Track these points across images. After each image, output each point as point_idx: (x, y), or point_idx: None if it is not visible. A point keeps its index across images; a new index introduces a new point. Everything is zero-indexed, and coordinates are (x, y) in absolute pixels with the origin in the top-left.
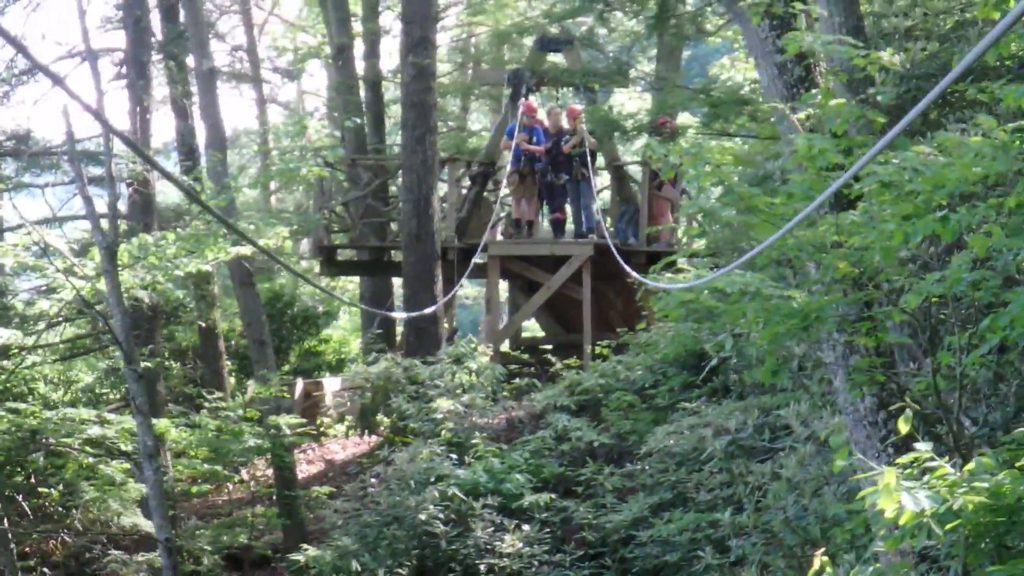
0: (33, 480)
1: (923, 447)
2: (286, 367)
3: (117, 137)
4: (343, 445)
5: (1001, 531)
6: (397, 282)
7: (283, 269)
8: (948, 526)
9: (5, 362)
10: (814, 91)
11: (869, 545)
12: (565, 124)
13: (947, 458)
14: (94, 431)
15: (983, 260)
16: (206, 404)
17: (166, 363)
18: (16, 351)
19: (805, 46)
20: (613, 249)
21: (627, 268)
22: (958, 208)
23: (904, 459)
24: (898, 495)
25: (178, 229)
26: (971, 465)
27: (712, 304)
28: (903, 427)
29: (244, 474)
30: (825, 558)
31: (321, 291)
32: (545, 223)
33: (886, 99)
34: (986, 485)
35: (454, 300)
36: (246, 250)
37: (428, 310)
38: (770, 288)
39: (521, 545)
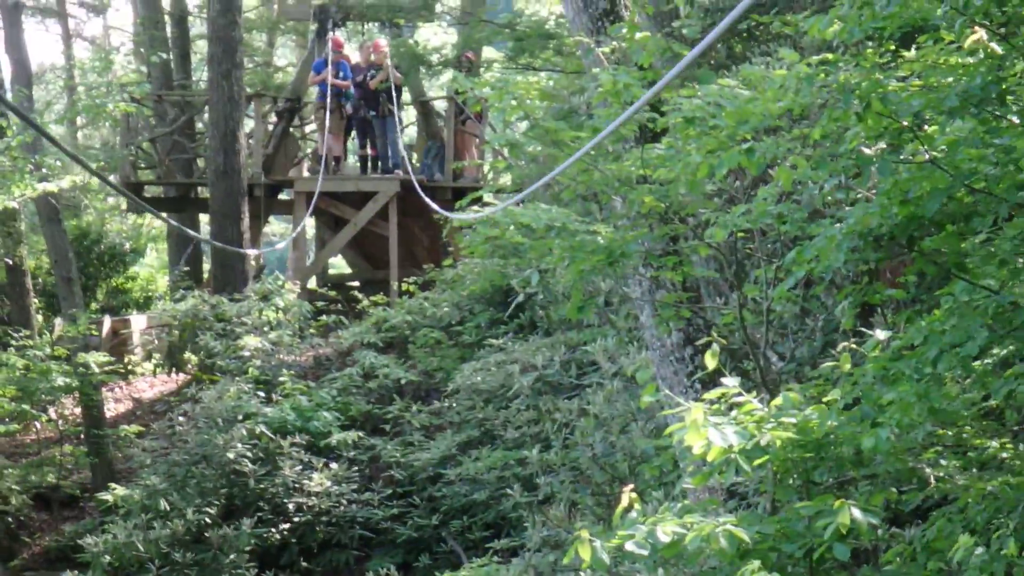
0: None
1: (730, 382)
2: (94, 305)
3: None
4: (151, 383)
5: (808, 467)
6: (204, 218)
7: (90, 205)
8: (756, 462)
9: None
10: (620, 24)
11: (678, 482)
12: (373, 58)
13: (754, 393)
14: None
15: (789, 194)
16: (13, 342)
17: None
18: None
19: None
20: (417, 186)
21: (432, 204)
22: (764, 141)
23: (711, 395)
24: (705, 431)
25: None
26: (778, 400)
27: (518, 240)
28: (710, 362)
29: (52, 413)
30: (633, 495)
31: (149, 211)
32: (352, 159)
33: (692, 32)
34: (793, 420)
35: (261, 236)
36: (52, 186)
37: (279, 246)
38: (576, 223)
39: (329, 484)
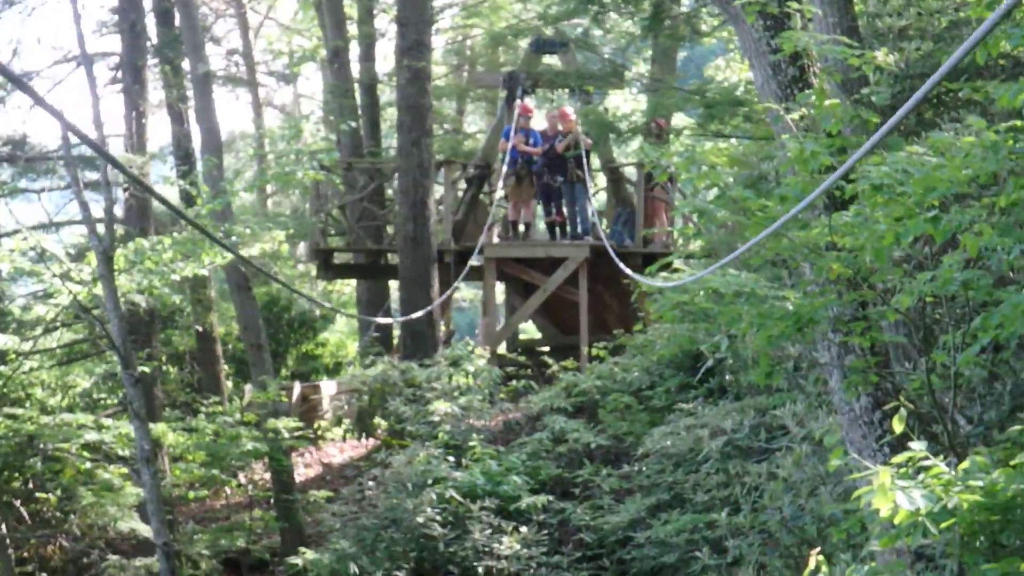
0: (31, 485)
1: (918, 446)
2: (283, 371)
3: (108, 162)
4: (340, 448)
5: (996, 529)
6: (394, 285)
7: (280, 273)
8: (943, 524)
9: (2, 367)
10: (808, 91)
11: (865, 544)
12: (560, 126)
13: (942, 457)
14: (91, 436)
15: (976, 260)
16: (203, 408)
17: (163, 368)
18: (13, 356)
19: (800, 46)
20: (610, 250)
21: (622, 266)
22: (950, 208)
23: (899, 458)
24: (893, 494)
25: (174, 234)
26: (966, 464)
27: (707, 305)
28: (897, 426)
29: (242, 478)
30: (821, 557)
31: (306, 299)
32: (541, 225)
33: (880, 99)
34: (981, 484)
35: (451, 302)
36: (242, 254)
37: (419, 313)
38: (765, 289)
39: (519, 547)
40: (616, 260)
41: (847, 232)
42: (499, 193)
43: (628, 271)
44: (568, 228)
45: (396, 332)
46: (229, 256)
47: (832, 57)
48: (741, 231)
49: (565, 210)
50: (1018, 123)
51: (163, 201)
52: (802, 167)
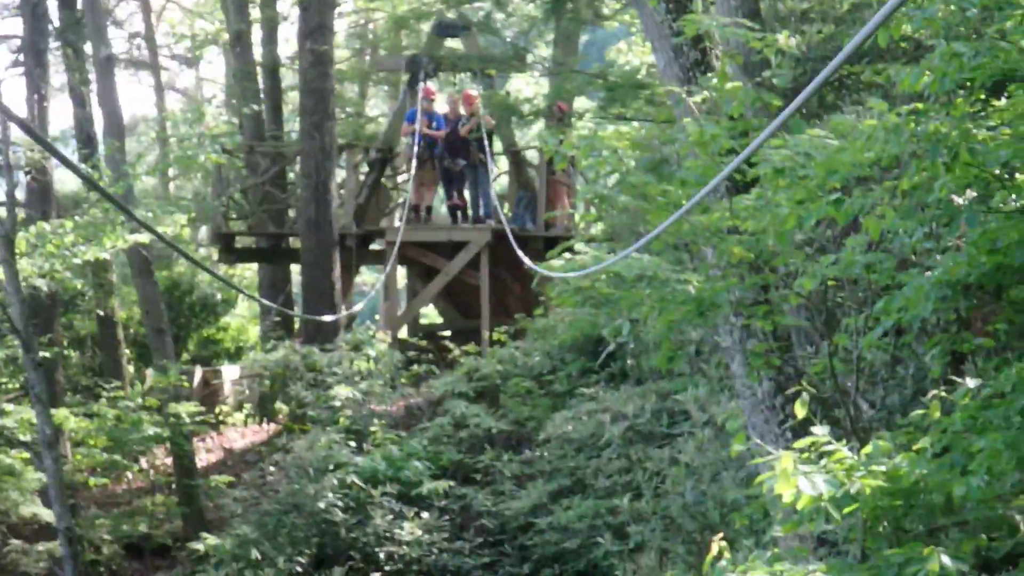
0: None
1: (820, 431)
2: (185, 355)
3: (15, 124)
4: (242, 433)
5: (898, 514)
6: (296, 269)
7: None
8: (846, 510)
9: None
10: (710, 74)
11: (768, 530)
12: (463, 110)
13: (844, 442)
14: None
15: (879, 243)
16: (104, 393)
17: (65, 352)
18: None
19: (702, 28)
20: (510, 236)
21: (523, 257)
22: (853, 191)
23: (801, 443)
24: (795, 479)
25: (76, 217)
26: (868, 448)
27: (607, 291)
28: (800, 411)
29: (143, 463)
30: (723, 543)
31: (219, 280)
32: (443, 209)
33: (782, 82)
34: (883, 468)
35: (352, 286)
36: (144, 238)
37: (328, 317)
38: (667, 273)
39: (420, 532)
40: (515, 246)
41: (749, 216)
42: (402, 177)
43: (527, 260)
44: (470, 212)
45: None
46: (131, 239)
47: (734, 40)
48: (643, 215)
49: (467, 194)
50: (920, 106)
51: (84, 177)
52: (702, 150)
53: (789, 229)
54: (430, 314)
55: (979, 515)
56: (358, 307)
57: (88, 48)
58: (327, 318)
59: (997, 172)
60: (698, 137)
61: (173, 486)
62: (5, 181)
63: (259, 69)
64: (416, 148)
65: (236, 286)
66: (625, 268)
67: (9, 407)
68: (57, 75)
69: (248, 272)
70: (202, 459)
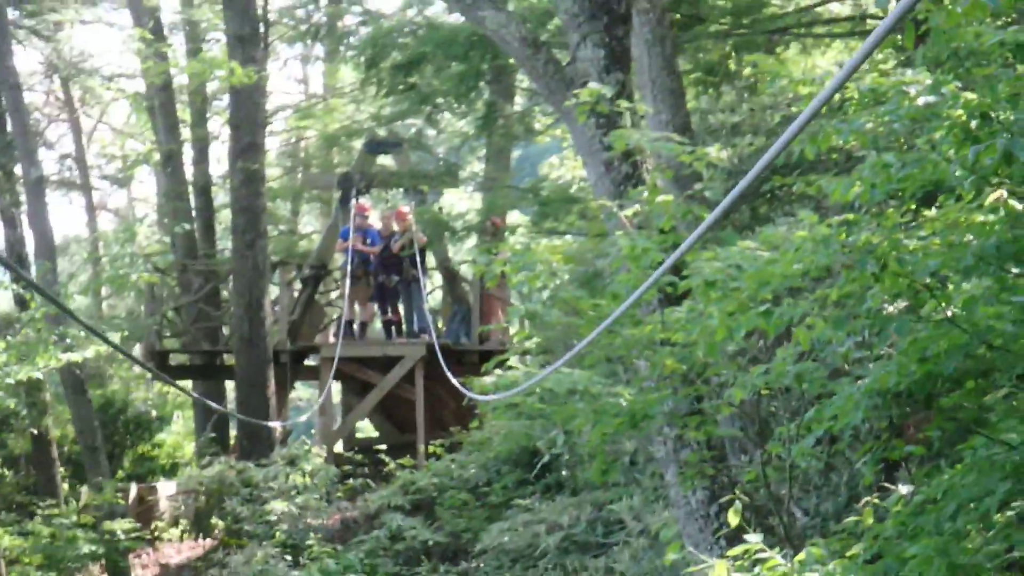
0: None
1: (753, 538)
2: (120, 472)
3: None
4: (178, 549)
5: None
6: (230, 385)
7: (115, 374)
8: None
9: None
10: (641, 188)
11: None
12: (395, 226)
13: (778, 549)
14: None
15: (810, 353)
16: (39, 511)
17: None
18: None
19: (632, 143)
20: (438, 353)
21: (451, 378)
22: (784, 302)
23: (734, 551)
24: None
25: (8, 337)
26: (801, 556)
27: (538, 407)
28: (733, 519)
29: None
30: None
31: (168, 383)
32: (377, 324)
33: (714, 194)
34: (816, 575)
35: (287, 403)
36: (77, 357)
37: (274, 423)
38: (598, 386)
39: None
40: (443, 365)
41: (680, 328)
42: (335, 293)
43: (455, 381)
44: (404, 327)
45: (233, 432)
46: (63, 359)
47: (666, 154)
48: (574, 331)
49: (401, 309)
50: (851, 217)
51: (45, 295)
52: (634, 264)
53: (719, 340)
54: (366, 428)
55: None
56: (304, 417)
57: (19, 170)
58: (270, 424)
59: (926, 283)
60: (629, 251)
61: None
62: None
63: (191, 188)
64: (350, 265)
65: (185, 390)
66: (556, 383)
67: None
68: None
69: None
70: (138, 575)
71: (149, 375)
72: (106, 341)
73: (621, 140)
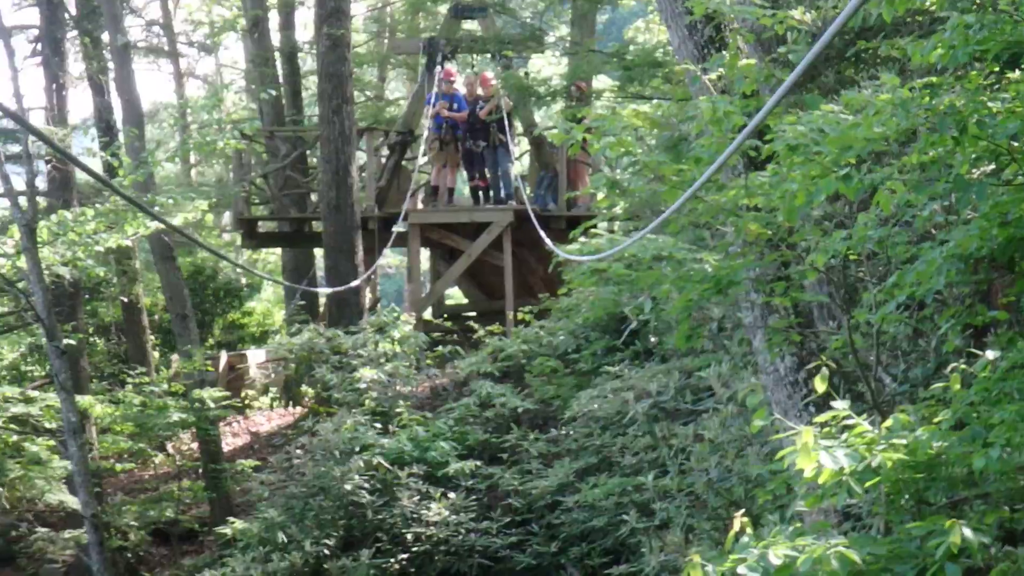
0: None
1: (840, 405)
2: (210, 341)
3: (28, 131)
4: (268, 417)
5: (920, 487)
6: (319, 252)
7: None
8: (867, 484)
9: None
10: (724, 52)
11: (792, 505)
12: (480, 91)
13: (865, 416)
14: (18, 409)
15: (894, 217)
16: (129, 379)
17: (89, 339)
18: None
19: (711, 7)
20: (532, 215)
21: (545, 238)
22: (864, 166)
23: (821, 418)
24: (816, 454)
25: (97, 205)
26: (889, 422)
27: (622, 272)
28: (820, 386)
29: (169, 449)
30: (745, 519)
31: (236, 266)
32: (465, 190)
33: (797, 58)
34: (904, 442)
35: (376, 269)
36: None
37: (352, 283)
38: (683, 252)
39: (447, 513)
40: (537, 226)
41: (763, 193)
42: (422, 159)
43: (548, 240)
44: (492, 193)
45: (322, 300)
46: (153, 226)
47: (748, 17)
48: (658, 197)
49: (488, 174)
50: (934, 79)
51: (86, 169)
52: (716, 128)
53: (800, 205)
54: (454, 295)
55: (1001, 487)
56: (369, 271)
57: (106, 37)
58: (353, 284)
59: (1004, 145)
60: (711, 115)
61: (200, 471)
62: (25, 170)
63: (277, 55)
64: (439, 130)
65: (253, 270)
66: (641, 249)
67: (34, 395)
68: (75, 64)
69: (272, 256)
70: (228, 443)
71: (238, 242)
72: (153, 216)
73: (700, 5)
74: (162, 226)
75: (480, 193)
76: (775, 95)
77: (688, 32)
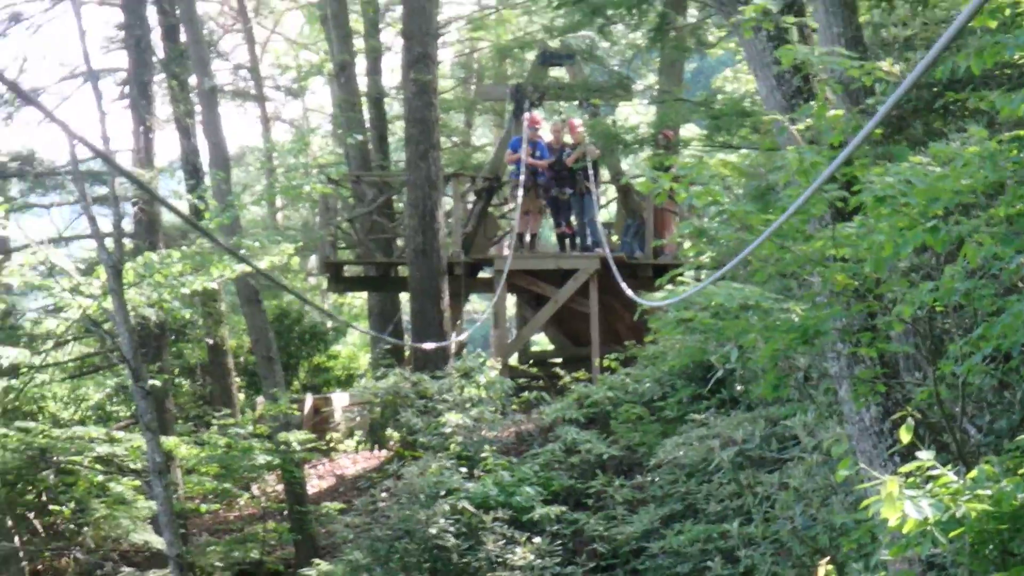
0: (44, 498)
1: (925, 455)
2: (295, 383)
3: (116, 171)
4: (353, 460)
5: (1005, 537)
6: (404, 297)
7: (291, 286)
8: (952, 534)
9: (14, 381)
10: (812, 102)
11: (876, 554)
12: (567, 138)
13: (951, 466)
14: (103, 449)
15: (981, 269)
16: (215, 421)
17: (175, 381)
18: (25, 370)
19: (799, 58)
20: (612, 265)
21: (625, 288)
22: (951, 218)
23: (906, 468)
24: (901, 504)
25: (183, 247)
26: (974, 473)
27: (708, 322)
28: (905, 436)
29: (255, 490)
30: (830, 567)
31: (319, 311)
32: (552, 238)
33: None
34: (989, 492)
35: (462, 314)
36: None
37: (443, 343)
38: (770, 302)
39: (532, 557)
40: (616, 275)
41: (849, 243)
42: (508, 206)
43: (628, 290)
44: (578, 240)
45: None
46: (239, 269)
47: (836, 68)
48: (746, 245)
49: (574, 222)
50: (1022, 132)
51: (173, 210)
52: (803, 178)
53: (885, 256)
54: (540, 341)
55: None
56: (465, 335)
57: (193, 80)
58: (430, 346)
59: None
60: (798, 165)
61: (285, 512)
62: (112, 212)
63: (364, 99)
64: (521, 177)
65: (336, 317)
66: (727, 298)
67: (120, 435)
68: (163, 107)
69: (358, 301)
70: (313, 485)
71: (324, 286)
72: (243, 260)
73: (788, 55)
74: (248, 269)
75: (567, 240)
76: (854, 140)
77: (776, 82)
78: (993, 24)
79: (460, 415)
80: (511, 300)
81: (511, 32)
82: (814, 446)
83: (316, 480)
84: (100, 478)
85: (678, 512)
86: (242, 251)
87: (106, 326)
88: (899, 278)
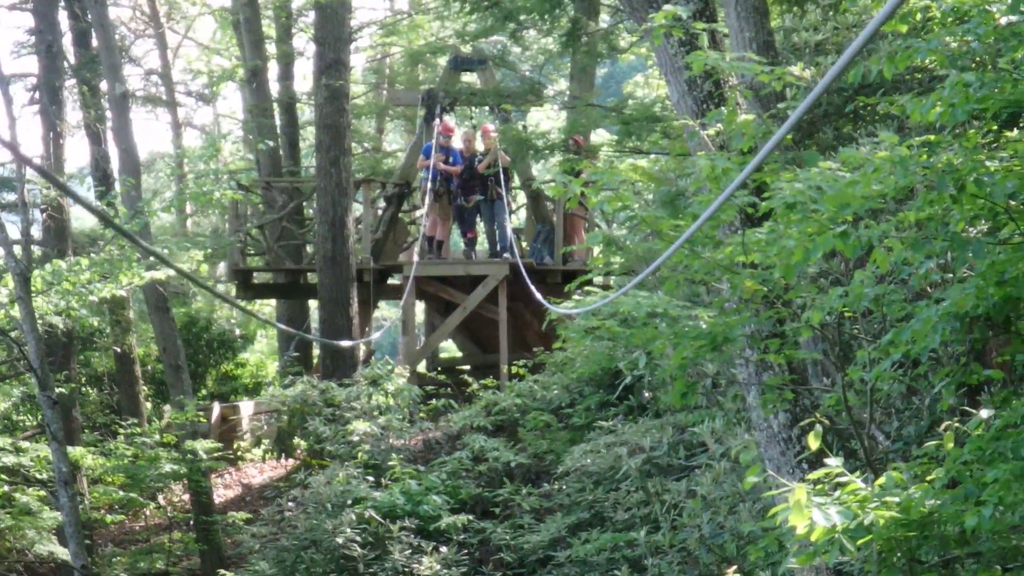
0: None
1: (833, 462)
2: (203, 392)
3: (28, 165)
4: (260, 469)
5: (913, 545)
6: (314, 304)
7: (199, 293)
8: (860, 541)
9: None
10: (722, 108)
11: (784, 562)
12: (479, 145)
13: (859, 473)
14: (9, 459)
15: (890, 275)
16: (122, 430)
17: (82, 389)
18: None
19: (710, 63)
20: (523, 272)
21: (536, 294)
22: (862, 224)
23: (814, 475)
24: (809, 511)
25: (92, 254)
26: (882, 480)
27: (616, 330)
28: (813, 443)
29: (161, 500)
30: (737, 575)
31: (245, 312)
32: (461, 244)
33: None
34: (897, 500)
35: (371, 321)
36: (160, 274)
37: (361, 340)
38: (678, 310)
39: (439, 567)
40: (528, 282)
41: (759, 250)
42: (418, 212)
43: (539, 296)
44: (485, 246)
45: (315, 352)
46: (148, 276)
47: (746, 73)
48: (655, 252)
49: (484, 228)
50: (932, 137)
51: (92, 209)
52: (714, 184)
53: (796, 262)
54: (449, 348)
55: (993, 546)
56: (377, 334)
57: (104, 85)
58: (345, 343)
59: (1003, 205)
60: (709, 171)
61: (191, 523)
62: (21, 219)
63: (276, 105)
64: (428, 184)
65: (258, 316)
66: (636, 307)
67: (26, 445)
68: (73, 113)
69: (267, 308)
70: (220, 495)
71: (233, 292)
72: (168, 264)
73: (699, 61)
74: (157, 276)
75: (471, 246)
76: (765, 147)
77: (687, 87)
78: (904, 29)
79: (368, 423)
80: (420, 307)
81: (423, 37)
82: (722, 453)
83: (223, 490)
84: (5, 488)
85: (585, 520)
86: (164, 250)
87: (13, 334)
88: (808, 284)
